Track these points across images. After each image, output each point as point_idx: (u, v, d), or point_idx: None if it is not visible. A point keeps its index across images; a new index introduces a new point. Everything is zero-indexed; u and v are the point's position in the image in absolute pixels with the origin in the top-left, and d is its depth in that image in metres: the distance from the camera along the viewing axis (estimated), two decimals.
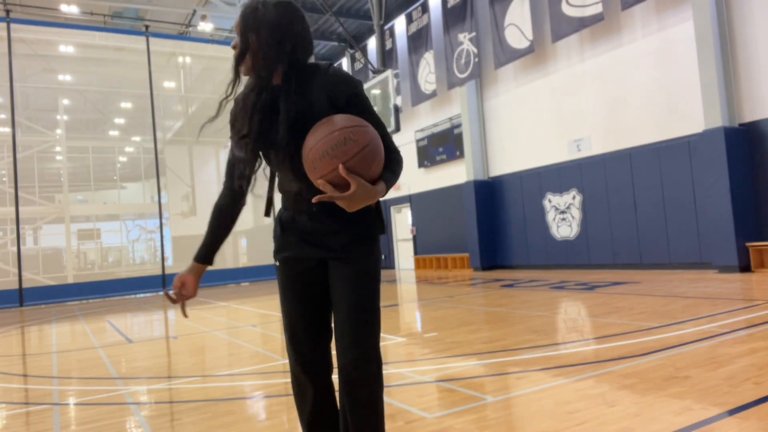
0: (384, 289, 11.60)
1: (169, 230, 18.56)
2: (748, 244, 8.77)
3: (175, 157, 19.65)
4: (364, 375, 1.72)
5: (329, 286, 1.83)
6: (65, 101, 18.74)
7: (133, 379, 4.57)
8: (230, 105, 1.85)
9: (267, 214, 1.98)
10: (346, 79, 1.73)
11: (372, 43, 17.96)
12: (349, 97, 1.72)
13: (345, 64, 19.68)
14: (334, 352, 1.86)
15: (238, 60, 1.73)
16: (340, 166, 1.53)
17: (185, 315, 1.87)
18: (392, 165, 1.72)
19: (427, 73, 15.36)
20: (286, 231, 1.87)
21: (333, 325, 1.81)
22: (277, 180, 1.90)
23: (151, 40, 17.20)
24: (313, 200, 1.59)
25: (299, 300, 1.85)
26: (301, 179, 1.74)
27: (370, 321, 1.75)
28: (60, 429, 3.27)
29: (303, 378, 1.87)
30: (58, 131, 18.29)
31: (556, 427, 2.60)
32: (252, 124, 1.73)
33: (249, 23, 1.71)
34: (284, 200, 1.88)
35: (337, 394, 1.91)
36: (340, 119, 1.62)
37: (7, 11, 15.24)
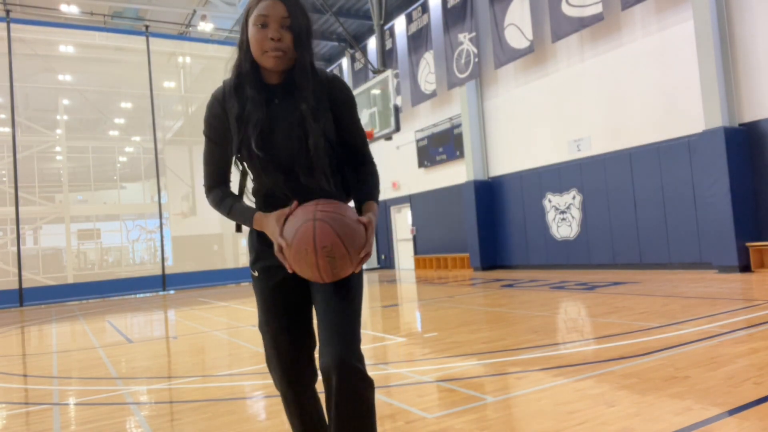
0: (384, 289, 11.60)
1: (169, 230, 18.56)
2: (748, 244, 8.77)
3: (175, 157, 19.66)
4: (360, 373, 1.76)
5: (310, 292, 1.81)
6: (65, 101, 18.75)
7: (133, 379, 4.57)
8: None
9: (239, 229, 1.86)
10: (346, 86, 1.80)
11: (372, 43, 17.95)
12: (346, 104, 1.78)
13: (345, 64, 19.67)
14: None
15: (301, 42, 1.65)
16: (356, 270, 1.63)
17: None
18: (368, 180, 1.76)
19: (427, 73, 15.36)
20: (264, 239, 1.79)
21: (318, 329, 1.77)
22: (251, 185, 1.81)
23: (151, 40, 17.20)
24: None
25: (283, 310, 1.82)
26: (287, 182, 1.71)
27: (358, 324, 1.79)
28: (60, 429, 3.27)
29: (289, 392, 1.86)
30: (58, 131, 18.30)
31: (556, 427, 2.60)
32: (252, 125, 1.67)
33: (300, 5, 1.67)
34: (262, 206, 1.78)
35: (323, 403, 1.90)
36: (300, 241, 1.51)
37: (7, 11, 15.24)
